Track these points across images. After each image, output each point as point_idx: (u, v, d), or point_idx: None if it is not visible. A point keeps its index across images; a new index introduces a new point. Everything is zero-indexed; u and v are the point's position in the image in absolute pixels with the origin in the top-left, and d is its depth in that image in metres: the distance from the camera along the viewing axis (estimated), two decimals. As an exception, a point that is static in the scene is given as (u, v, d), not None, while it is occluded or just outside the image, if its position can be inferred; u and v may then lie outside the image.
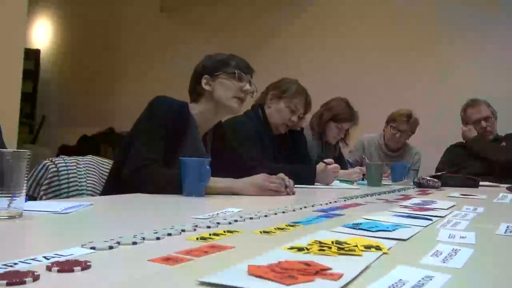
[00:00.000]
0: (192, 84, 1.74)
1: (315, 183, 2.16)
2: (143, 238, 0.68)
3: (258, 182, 1.52)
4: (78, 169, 1.75)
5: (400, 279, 0.50)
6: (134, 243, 0.65)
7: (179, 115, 1.64)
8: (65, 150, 5.24)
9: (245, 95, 1.71)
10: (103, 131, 5.83)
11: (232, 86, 1.68)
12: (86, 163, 1.81)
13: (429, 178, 2.23)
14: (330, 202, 1.31)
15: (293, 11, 5.03)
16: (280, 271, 0.50)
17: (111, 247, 0.62)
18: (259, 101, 2.44)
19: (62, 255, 0.56)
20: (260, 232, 0.78)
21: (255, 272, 0.49)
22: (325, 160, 2.22)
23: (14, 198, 0.82)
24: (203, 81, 1.69)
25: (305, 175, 2.14)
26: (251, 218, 0.93)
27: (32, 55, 6.32)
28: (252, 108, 2.45)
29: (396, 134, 3.23)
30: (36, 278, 0.46)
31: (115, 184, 1.57)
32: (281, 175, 1.60)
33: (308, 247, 0.63)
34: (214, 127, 1.81)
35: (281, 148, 2.47)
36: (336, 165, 2.23)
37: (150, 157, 1.50)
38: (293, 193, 1.59)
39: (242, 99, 1.71)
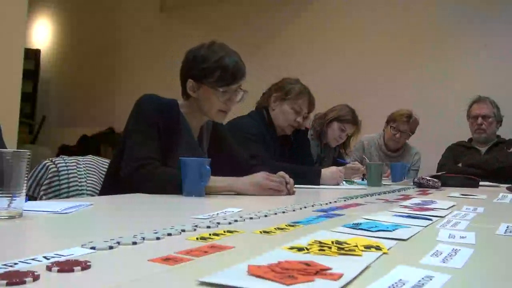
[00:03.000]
0: (181, 81, 1.69)
1: (321, 184, 2.17)
2: (143, 238, 0.68)
3: (258, 181, 1.52)
4: (78, 169, 1.75)
5: (400, 279, 0.50)
6: (134, 243, 0.65)
7: (168, 113, 1.61)
8: (65, 150, 5.25)
9: (229, 106, 1.66)
10: (103, 131, 5.84)
11: (216, 100, 1.63)
12: (86, 163, 1.81)
13: (429, 178, 2.23)
14: (330, 202, 1.31)
15: (294, 10, 5.03)
16: (280, 271, 0.50)
17: (111, 247, 0.62)
18: (261, 102, 2.44)
19: (62, 255, 0.56)
20: (260, 232, 0.78)
21: (255, 272, 0.49)
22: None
23: (14, 198, 0.82)
24: (188, 84, 1.64)
25: (310, 176, 2.15)
26: (251, 218, 0.93)
27: (32, 55, 6.33)
28: (256, 109, 2.45)
29: (396, 135, 3.24)
30: (36, 278, 0.46)
31: (113, 184, 1.56)
32: (281, 173, 1.60)
33: (308, 247, 0.63)
34: (212, 127, 1.81)
35: (284, 148, 2.47)
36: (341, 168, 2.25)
37: (149, 156, 1.50)
38: (293, 192, 1.59)
39: (227, 111, 1.67)
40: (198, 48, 1.66)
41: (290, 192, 1.57)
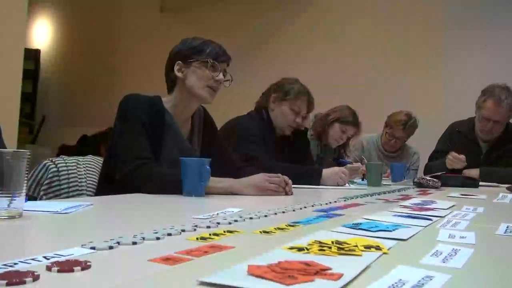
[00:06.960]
0: (166, 71, 1.69)
1: (321, 184, 2.16)
2: (143, 238, 0.68)
3: (257, 182, 1.52)
4: (78, 169, 1.75)
5: (400, 279, 0.50)
6: (134, 243, 0.65)
7: (153, 109, 1.60)
8: (65, 150, 5.23)
9: (217, 84, 1.66)
10: (103, 131, 5.82)
11: (204, 75, 1.63)
12: (86, 163, 1.81)
13: (429, 178, 2.23)
14: (330, 202, 1.31)
15: (293, 10, 5.03)
16: (280, 271, 0.50)
17: (111, 247, 0.62)
18: (261, 103, 2.43)
19: (62, 255, 0.56)
20: (260, 232, 0.78)
21: (255, 272, 0.49)
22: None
23: (14, 198, 0.82)
24: (176, 67, 1.65)
25: (310, 176, 2.15)
26: (251, 218, 0.93)
27: (32, 55, 6.33)
28: (256, 110, 2.44)
29: (391, 140, 3.23)
30: (36, 278, 0.46)
31: (107, 187, 1.55)
32: (280, 174, 1.60)
33: (308, 247, 0.63)
34: (204, 125, 1.80)
35: (284, 148, 2.47)
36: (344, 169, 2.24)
37: (144, 155, 1.49)
38: (291, 193, 1.59)
39: (215, 89, 1.66)
40: (180, 42, 1.70)
41: (288, 193, 1.57)
